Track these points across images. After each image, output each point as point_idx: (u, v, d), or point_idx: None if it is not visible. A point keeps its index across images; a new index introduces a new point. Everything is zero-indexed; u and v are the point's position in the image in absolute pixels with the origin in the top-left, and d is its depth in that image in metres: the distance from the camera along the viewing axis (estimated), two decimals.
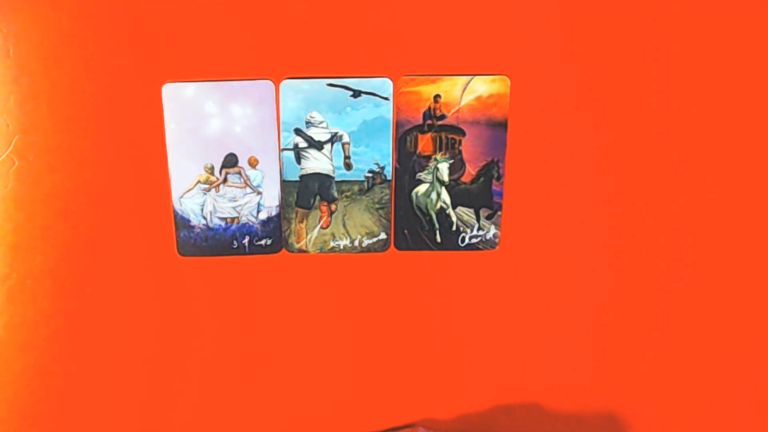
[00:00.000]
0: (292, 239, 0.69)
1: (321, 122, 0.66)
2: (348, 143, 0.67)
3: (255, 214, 0.68)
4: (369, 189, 0.68)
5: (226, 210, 0.68)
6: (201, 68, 0.64)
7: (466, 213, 0.69)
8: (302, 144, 0.66)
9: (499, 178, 0.68)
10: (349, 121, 0.66)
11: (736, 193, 0.69)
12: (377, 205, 0.68)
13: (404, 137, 0.67)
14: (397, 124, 0.66)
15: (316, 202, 0.68)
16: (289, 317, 0.71)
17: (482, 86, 0.65)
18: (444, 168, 0.67)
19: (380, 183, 0.68)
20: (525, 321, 0.72)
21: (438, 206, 0.69)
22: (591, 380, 0.74)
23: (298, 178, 0.67)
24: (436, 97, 0.65)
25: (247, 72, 0.64)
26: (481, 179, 0.68)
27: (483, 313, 0.72)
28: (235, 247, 0.69)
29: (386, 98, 0.65)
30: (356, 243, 0.69)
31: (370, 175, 0.68)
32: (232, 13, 0.63)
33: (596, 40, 0.64)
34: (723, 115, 0.67)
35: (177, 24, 0.63)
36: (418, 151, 0.67)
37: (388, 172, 0.68)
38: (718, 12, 0.64)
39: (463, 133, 0.67)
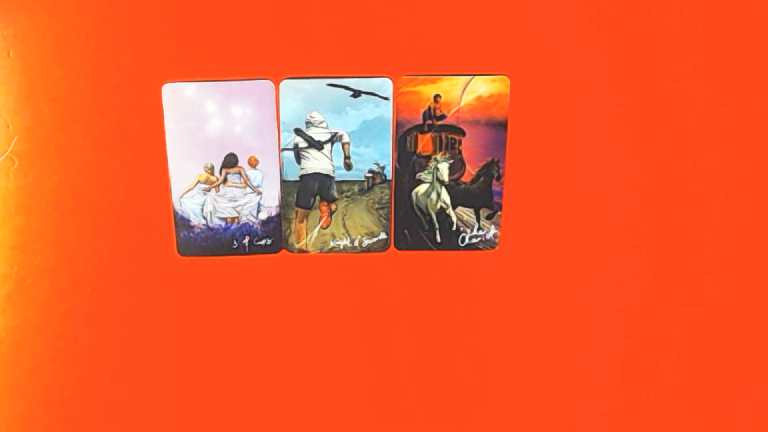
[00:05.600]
0: (292, 239, 0.69)
1: (321, 122, 0.66)
2: (348, 143, 0.67)
3: (255, 214, 0.68)
4: (369, 189, 0.68)
5: (226, 210, 0.68)
6: (201, 68, 0.64)
7: (466, 213, 0.69)
8: (302, 144, 0.66)
9: (499, 178, 0.68)
10: (349, 121, 0.66)
11: (738, 193, 0.69)
12: (377, 205, 0.68)
13: (404, 137, 0.67)
14: (397, 124, 0.66)
15: (316, 202, 0.68)
16: (289, 317, 0.71)
17: (482, 86, 0.65)
18: (444, 168, 0.68)
19: (380, 183, 0.68)
20: (525, 321, 0.72)
21: (438, 206, 0.69)
22: (591, 380, 0.74)
23: (298, 178, 0.67)
24: (436, 97, 0.65)
25: (247, 72, 0.64)
26: (481, 179, 0.68)
27: (483, 313, 0.72)
28: (235, 247, 0.69)
29: (386, 98, 0.65)
30: (356, 243, 0.69)
31: (370, 175, 0.68)
32: (232, 13, 0.63)
33: (596, 40, 0.64)
34: (725, 115, 0.67)
35: (177, 24, 0.63)
36: (418, 151, 0.67)
37: (388, 172, 0.68)
38: (719, 12, 0.64)
39: (463, 133, 0.67)
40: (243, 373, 0.73)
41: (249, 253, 0.69)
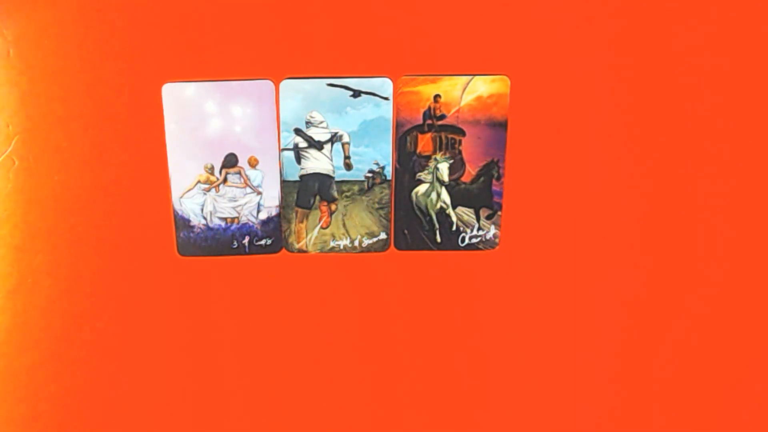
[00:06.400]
0: (292, 239, 0.69)
1: (321, 122, 0.66)
2: (348, 143, 0.67)
3: (255, 214, 0.68)
4: (369, 189, 0.68)
5: (226, 210, 0.68)
6: (201, 68, 0.64)
7: (466, 213, 0.69)
8: (302, 144, 0.66)
9: (499, 178, 0.68)
10: (349, 121, 0.66)
11: (738, 194, 0.69)
12: (377, 205, 0.68)
13: (404, 137, 0.67)
14: (397, 124, 0.66)
15: (316, 202, 0.68)
16: (289, 317, 0.71)
17: (482, 86, 0.65)
18: (444, 168, 0.68)
19: (380, 183, 0.68)
20: (525, 321, 0.72)
21: (438, 206, 0.69)
22: (591, 380, 0.74)
23: (298, 178, 0.67)
24: (436, 97, 0.65)
25: (247, 72, 0.64)
26: (481, 179, 0.68)
27: (483, 313, 0.72)
28: (235, 247, 0.69)
29: (386, 98, 0.65)
30: (356, 243, 0.69)
31: (370, 175, 0.68)
32: (232, 13, 0.63)
33: (596, 40, 0.64)
34: (726, 115, 0.67)
35: (177, 24, 0.63)
36: (418, 151, 0.67)
37: (388, 172, 0.68)
38: (720, 11, 0.64)
39: (463, 133, 0.67)
40: (243, 373, 0.73)
41: (249, 253, 0.69)
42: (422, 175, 0.68)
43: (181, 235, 0.68)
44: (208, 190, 0.67)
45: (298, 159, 0.67)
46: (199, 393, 0.73)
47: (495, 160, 0.67)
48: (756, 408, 0.76)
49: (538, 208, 0.69)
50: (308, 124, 0.66)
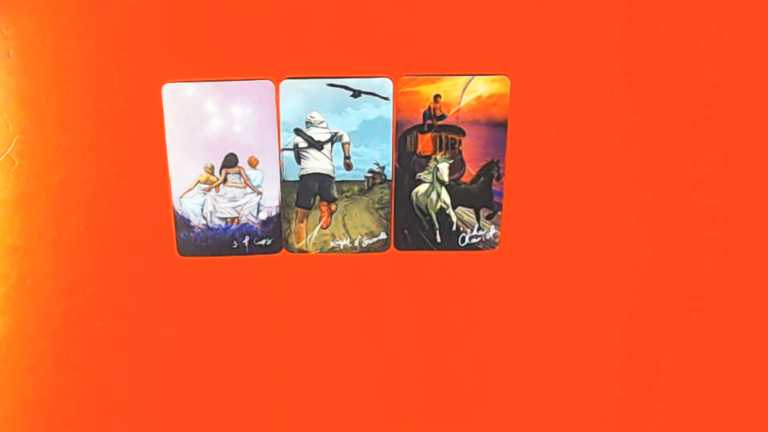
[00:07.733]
0: (292, 239, 0.69)
1: (321, 122, 0.66)
2: (348, 143, 0.67)
3: (255, 214, 0.68)
4: (369, 189, 0.68)
5: (226, 210, 0.68)
6: (201, 68, 0.64)
7: (466, 213, 0.69)
8: (302, 144, 0.66)
9: (499, 178, 0.68)
10: (349, 121, 0.66)
11: (739, 194, 0.69)
12: (377, 205, 0.68)
13: (404, 137, 0.67)
14: (397, 124, 0.66)
15: (316, 202, 0.68)
16: (289, 317, 0.71)
17: (482, 86, 0.65)
18: (444, 168, 0.68)
19: (380, 183, 0.68)
20: (525, 321, 0.72)
21: (438, 206, 0.69)
22: (591, 380, 0.74)
23: (298, 178, 0.67)
24: (436, 97, 0.65)
25: (247, 72, 0.64)
26: (481, 179, 0.68)
27: (483, 313, 0.72)
28: (235, 247, 0.69)
29: (386, 98, 0.65)
30: (356, 243, 0.69)
31: (370, 175, 0.68)
32: (232, 13, 0.63)
33: (596, 40, 0.64)
34: (726, 115, 0.67)
35: (177, 24, 0.63)
36: (418, 151, 0.67)
37: (388, 172, 0.68)
38: (720, 12, 0.64)
39: (463, 133, 0.67)
40: (243, 373, 0.73)
41: (249, 253, 0.69)
42: (422, 175, 0.68)
43: (181, 235, 0.68)
44: (208, 190, 0.67)
45: (298, 159, 0.67)
46: (200, 393, 0.73)
47: (495, 160, 0.67)
48: (756, 408, 0.76)
49: (538, 208, 0.69)
50: (308, 124, 0.66)
